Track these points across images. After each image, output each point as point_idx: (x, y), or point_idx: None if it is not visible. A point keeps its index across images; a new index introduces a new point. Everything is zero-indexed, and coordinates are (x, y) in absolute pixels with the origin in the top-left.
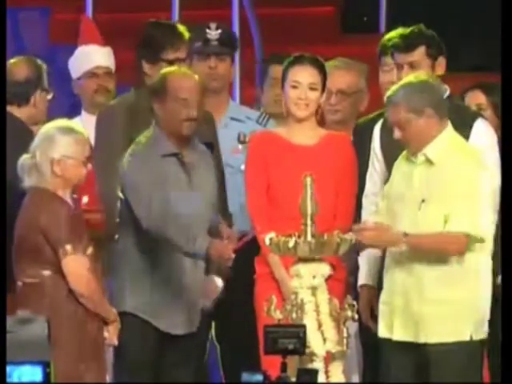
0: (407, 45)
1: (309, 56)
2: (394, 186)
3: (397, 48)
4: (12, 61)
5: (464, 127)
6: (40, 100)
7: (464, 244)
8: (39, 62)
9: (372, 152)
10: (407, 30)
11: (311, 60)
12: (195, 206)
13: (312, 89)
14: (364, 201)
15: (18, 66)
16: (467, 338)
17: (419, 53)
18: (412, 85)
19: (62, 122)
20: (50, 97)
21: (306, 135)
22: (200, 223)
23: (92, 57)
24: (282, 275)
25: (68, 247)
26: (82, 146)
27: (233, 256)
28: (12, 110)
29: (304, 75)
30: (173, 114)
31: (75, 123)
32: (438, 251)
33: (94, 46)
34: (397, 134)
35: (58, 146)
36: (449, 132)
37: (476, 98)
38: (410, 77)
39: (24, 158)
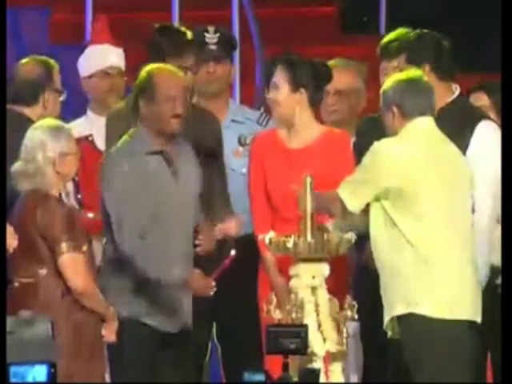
0: (388, 52)
1: (285, 56)
2: None
3: (381, 55)
4: (23, 60)
5: (467, 128)
6: (50, 100)
7: (338, 203)
8: (52, 62)
9: None
10: (390, 37)
11: (284, 59)
12: (180, 207)
13: (275, 88)
14: None
15: (27, 66)
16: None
17: (400, 60)
18: (387, 83)
19: (48, 122)
20: (62, 98)
21: (299, 136)
22: (182, 238)
23: (107, 56)
24: (277, 279)
25: (64, 245)
26: (73, 140)
27: (214, 287)
28: (22, 109)
29: (274, 76)
30: (160, 112)
31: (55, 120)
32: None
33: (108, 46)
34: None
35: (55, 146)
36: (404, 129)
37: (479, 100)
38: (396, 75)
39: (21, 164)
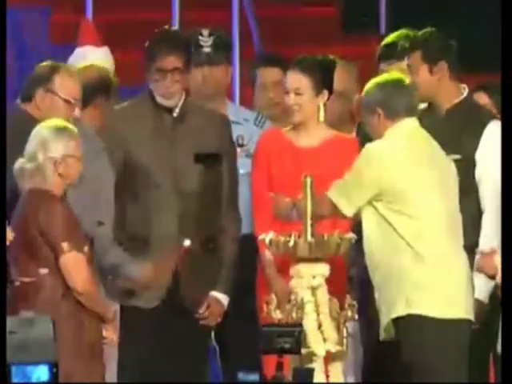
0: (395, 53)
1: (302, 59)
2: None
3: (389, 55)
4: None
5: (476, 128)
6: (43, 99)
7: (328, 206)
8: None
9: None
10: (399, 36)
11: (303, 63)
12: None
13: (297, 94)
14: None
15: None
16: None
17: (414, 58)
18: (369, 86)
19: (54, 122)
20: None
21: (309, 136)
22: None
23: (87, 57)
24: (275, 280)
25: (65, 245)
26: (78, 143)
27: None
28: (24, 105)
29: (290, 81)
30: None
31: (62, 121)
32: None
33: (89, 47)
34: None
35: (58, 147)
36: (391, 130)
37: (479, 99)
38: (377, 77)
39: (22, 162)
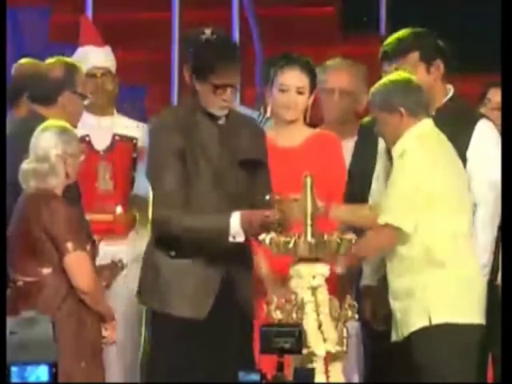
0: (396, 52)
1: (298, 58)
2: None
3: (387, 56)
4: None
5: (466, 128)
6: (71, 102)
7: (388, 234)
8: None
9: (379, 153)
10: (396, 37)
11: (300, 63)
12: None
13: (300, 93)
14: (370, 200)
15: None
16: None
17: (410, 58)
18: (385, 86)
19: (57, 123)
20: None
21: (291, 136)
22: None
23: (89, 58)
24: (267, 273)
25: (70, 244)
26: (79, 142)
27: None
28: (43, 109)
29: (292, 79)
30: None
31: (62, 122)
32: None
33: (90, 47)
34: (376, 128)
35: (66, 147)
36: (413, 129)
37: (498, 96)
38: (388, 77)
39: (33, 163)
